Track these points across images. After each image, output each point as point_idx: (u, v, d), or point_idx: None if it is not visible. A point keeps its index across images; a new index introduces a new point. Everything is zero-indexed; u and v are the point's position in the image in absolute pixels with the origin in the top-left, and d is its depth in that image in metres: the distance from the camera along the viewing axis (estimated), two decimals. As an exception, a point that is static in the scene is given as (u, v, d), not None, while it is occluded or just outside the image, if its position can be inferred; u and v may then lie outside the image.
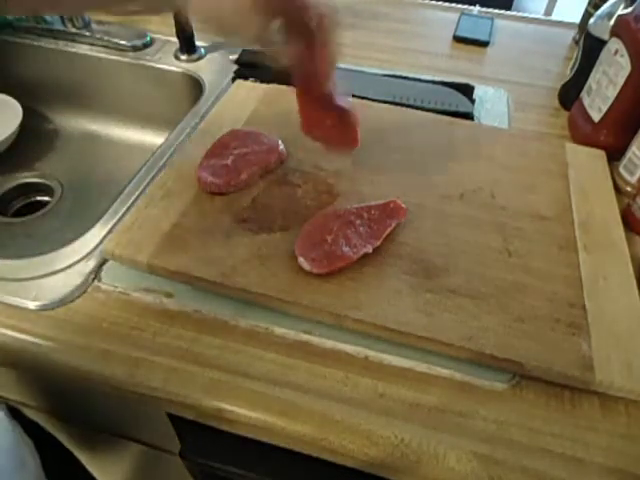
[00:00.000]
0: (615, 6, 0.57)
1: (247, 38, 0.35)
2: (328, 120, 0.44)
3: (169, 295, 0.42)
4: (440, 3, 0.89)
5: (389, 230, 0.43)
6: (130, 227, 0.44)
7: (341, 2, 0.85)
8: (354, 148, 0.46)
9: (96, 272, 0.43)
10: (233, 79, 0.66)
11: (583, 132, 0.59)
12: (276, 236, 0.44)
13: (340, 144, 0.47)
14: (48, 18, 0.75)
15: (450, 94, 0.63)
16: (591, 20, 0.60)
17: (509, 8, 1.98)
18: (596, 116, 0.57)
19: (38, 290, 0.42)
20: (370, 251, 0.41)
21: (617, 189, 0.52)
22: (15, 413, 0.47)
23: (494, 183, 0.51)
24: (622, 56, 0.51)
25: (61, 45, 0.73)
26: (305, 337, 0.40)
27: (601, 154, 0.55)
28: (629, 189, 0.53)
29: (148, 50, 0.72)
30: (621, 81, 0.52)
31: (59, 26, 0.73)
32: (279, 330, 0.40)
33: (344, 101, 0.43)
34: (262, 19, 0.34)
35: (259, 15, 0.34)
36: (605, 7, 0.59)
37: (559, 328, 0.39)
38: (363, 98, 0.61)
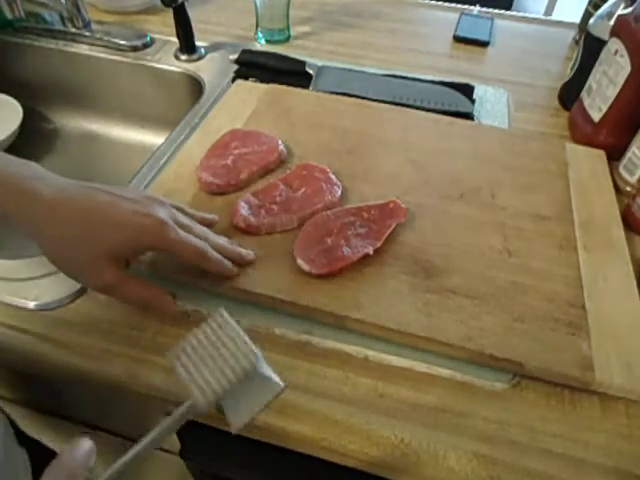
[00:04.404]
0: (615, 6, 0.57)
1: None
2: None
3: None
4: (440, 3, 0.89)
5: (389, 231, 0.43)
6: (130, 227, 0.44)
7: (341, 2, 0.86)
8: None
9: (96, 272, 0.43)
10: (233, 79, 0.66)
11: (583, 132, 0.59)
12: (276, 236, 0.44)
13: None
14: (48, 18, 0.75)
15: (450, 94, 0.63)
16: (591, 20, 0.60)
17: (509, 8, 1.98)
18: (596, 116, 0.57)
19: (38, 290, 0.42)
20: (371, 252, 0.41)
21: (617, 189, 0.52)
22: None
23: (494, 183, 0.51)
24: (622, 56, 0.51)
25: (61, 45, 0.73)
26: (305, 337, 0.40)
27: (601, 154, 0.55)
28: (629, 189, 0.53)
29: (148, 50, 0.73)
30: (621, 81, 0.52)
31: (59, 26, 0.73)
32: (279, 330, 0.40)
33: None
34: None
35: None
36: (605, 7, 0.59)
37: (559, 328, 0.39)
38: (363, 98, 0.61)
